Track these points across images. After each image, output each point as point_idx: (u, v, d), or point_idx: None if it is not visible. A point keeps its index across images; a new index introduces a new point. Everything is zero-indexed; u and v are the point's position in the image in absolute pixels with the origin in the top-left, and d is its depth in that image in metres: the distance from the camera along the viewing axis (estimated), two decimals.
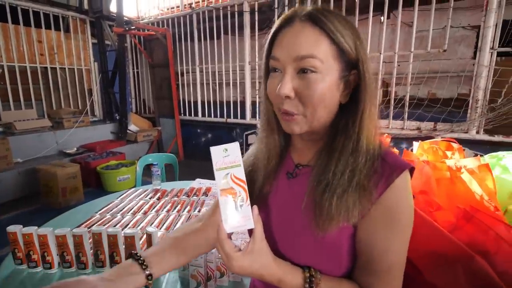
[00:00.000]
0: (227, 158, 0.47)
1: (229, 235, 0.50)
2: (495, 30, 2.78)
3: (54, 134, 3.91)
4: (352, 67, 0.50)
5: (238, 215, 0.48)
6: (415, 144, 1.34)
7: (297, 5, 3.48)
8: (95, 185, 3.54)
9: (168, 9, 4.91)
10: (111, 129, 4.65)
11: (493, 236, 0.82)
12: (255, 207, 0.49)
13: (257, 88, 4.13)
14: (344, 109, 0.52)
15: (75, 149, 3.99)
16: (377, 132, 0.52)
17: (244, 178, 0.48)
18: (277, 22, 0.53)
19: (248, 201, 0.48)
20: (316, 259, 0.53)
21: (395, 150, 0.70)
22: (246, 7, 3.92)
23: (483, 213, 0.90)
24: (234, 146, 0.48)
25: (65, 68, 4.55)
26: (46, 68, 4.32)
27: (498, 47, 2.81)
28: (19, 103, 4.01)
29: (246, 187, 0.48)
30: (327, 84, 0.48)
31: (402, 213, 0.50)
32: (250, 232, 0.62)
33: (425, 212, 0.95)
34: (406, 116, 3.22)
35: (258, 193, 0.61)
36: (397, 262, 0.51)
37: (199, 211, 1.32)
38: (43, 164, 3.22)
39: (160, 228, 1.17)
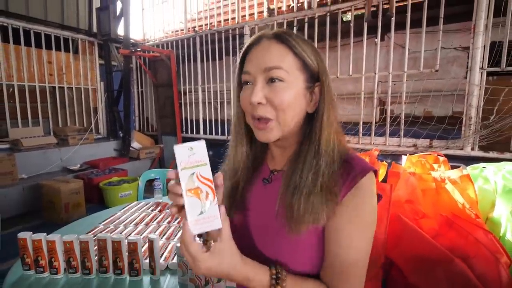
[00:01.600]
0: (192, 157, 0.45)
1: (195, 237, 0.47)
2: (484, 51, 2.92)
3: (59, 151, 4.00)
4: (316, 80, 0.57)
5: (205, 214, 0.46)
6: (403, 158, 1.41)
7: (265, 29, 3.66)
8: (97, 201, 3.58)
9: (172, 32, 5.16)
10: (115, 146, 4.75)
11: (472, 240, 0.88)
12: (222, 206, 0.48)
13: None
14: (310, 118, 0.58)
15: (79, 165, 4.07)
16: (339, 138, 0.57)
17: (211, 177, 0.46)
18: (246, 44, 0.60)
19: (216, 200, 0.47)
20: (292, 259, 0.56)
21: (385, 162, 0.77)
22: (246, 31, 4.13)
23: (464, 220, 0.96)
24: (200, 145, 0.46)
25: (72, 88, 4.73)
26: (54, 87, 4.50)
27: (488, 67, 2.93)
28: (26, 121, 4.14)
29: (213, 186, 0.46)
30: (294, 92, 0.54)
31: (365, 212, 0.54)
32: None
33: (410, 220, 1.01)
34: (402, 133, 3.30)
35: (232, 204, 0.64)
36: (359, 259, 0.53)
37: None
38: (47, 180, 3.29)
39: (162, 238, 1.23)
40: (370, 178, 0.54)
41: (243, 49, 0.60)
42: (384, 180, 1.25)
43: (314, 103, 0.58)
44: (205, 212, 0.46)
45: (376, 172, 0.56)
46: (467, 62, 3.77)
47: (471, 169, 1.24)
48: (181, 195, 0.46)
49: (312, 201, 0.52)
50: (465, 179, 1.10)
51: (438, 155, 1.40)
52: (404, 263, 0.91)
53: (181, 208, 0.48)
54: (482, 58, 2.93)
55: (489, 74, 3.00)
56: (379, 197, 0.61)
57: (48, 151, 3.90)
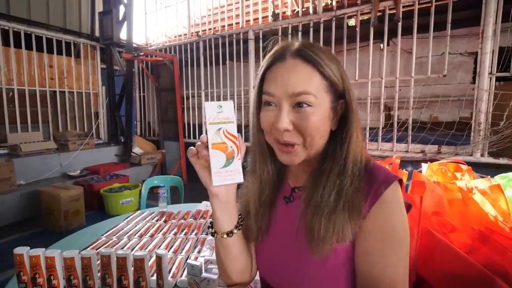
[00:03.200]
0: (220, 114, 0.47)
1: (208, 227, 0.56)
2: (492, 56, 2.87)
3: (59, 156, 3.92)
4: (340, 97, 0.54)
5: (228, 168, 0.48)
6: (424, 166, 1.34)
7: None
8: (97, 208, 3.49)
9: (175, 36, 5.13)
10: (116, 152, 4.67)
11: (511, 257, 0.81)
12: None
13: None
14: (333, 135, 0.55)
15: (79, 171, 3.99)
16: (363, 153, 0.54)
17: (236, 134, 0.48)
18: (268, 57, 0.55)
19: (239, 156, 0.48)
20: (318, 282, 0.53)
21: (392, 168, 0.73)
22: (251, 35, 4.09)
23: (499, 234, 0.88)
24: (228, 104, 0.48)
25: (73, 92, 4.68)
26: (55, 91, 4.44)
27: (497, 72, 2.89)
28: (26, 125, 4.07)
29: (237, 142, 0.48)
30: (321, 115, 0.51)
31: (396, 226, 0.50)
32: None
33: (439, 233, 0.94)
34: (410, 139, 3.24)
35: (260, 225, 0.62)
36: (397, 277, 0.49)
37: (206, 234, 1.30)
38: (45, 186, 3.21)
39: (168, 251, 1.15)
40: (395, 188, 0.51)
41: (265, 62, 0.55)
42: (406, 190, 1.18)
43: (336, 119, 0.55)
44: (229, 165, 0.48)
45: (401, 181, 0.53)
46: (473, 68, 3.74)
47: (499, 178, 1.17)
48: (207, 146, 0.48)
49: (334, 221, 0.50)
50: (495, 189, 1.03)
51: (459, 163, 1.33)
52: (437, 281, 0.83)
53: (197, 154, 0.50)
54: (491, 63, 2.89)
55: (497, 79, 2.95)
56: (409, 206, 0.56)
57: (47, 157, 3.82)
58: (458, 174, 1.28)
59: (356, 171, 0.52)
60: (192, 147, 0.51)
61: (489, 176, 1.11)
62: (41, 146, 3.87)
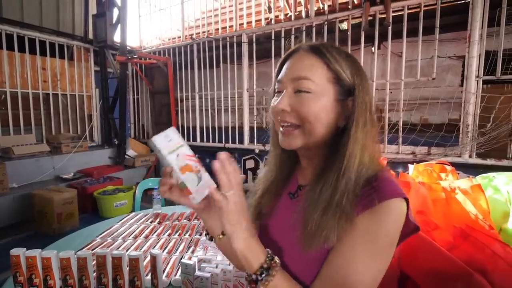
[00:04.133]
0: (170, 142, 0.50)
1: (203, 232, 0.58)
2: (479, 60, 2.96)
3: (52, 159, 3.90)
4: (350, 94, 0.55)
5: (201, 183, 0.51)
6: (410, 167, 1.39)
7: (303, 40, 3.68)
8: (91, 211, 3.48)
9: (169, 39, 5.14)
10: (109, 154, 4.66)
11: (489, 254, 0.85)
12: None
13: (255, 114, 4.23)
14: (341, 132, 0.56)
15: (72, 174, 3.97)
16: (372, 155, 0.54)
17: (191, 153, 0.51)
18: (285, 53, 0.61)
19: (203, 168, 0.51)
20: (303, 277, 0.53)
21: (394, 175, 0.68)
22: (244, 38, 4.14)
23: (479, 231, 0.93)
24: (172, 131, 0.52)
25: (66, 94, 4.65)
26: (48, 94, 4.41)
27: (483, 75, 2.97)
28: (18, 128, 4.04)
29: (196, 159, 0.52)
30: (321, 103, 0.53)
31: (378, 237, 0.48)
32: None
33: (423, 232, 0.98)
34: (400, 140, 3.31)
35: (260, 208, 0.65)
36: (357, 282, 0.48)
37: (200, 235, 1.33)
38: (38, 189, 3.19)
39: (163, 252, 1.17)
40: (396, 205, 0.48)
41: (281, 58, 0.61)
42: None
43: (345, 117, 0.55)
44: (201, 181, 0.51)
45: (407, 201, 0.50)
46: (462, 71, 3.84)
47: (481, 179, 1.22)
48: (171, 175, 0.51)
49: (326, 220, 0.50)
50: (476, 189, 1.08)
51: (444, 164, 1.38)
52: (420, 277, 0.88)
53: (170, 188, 0.52)
54: (478, 66, 2.97)
55: (484, 82, 3.04)
56: (415, 228, 0.54)
57: (40, 159, 3.80)
58: (442, 175, 1.33)
59: (356, 169, 0.51)
60: (161, 187, 0.53)
61: (471, 177, 1.16)
62: (34, 148, 3.85)
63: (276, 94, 0.59)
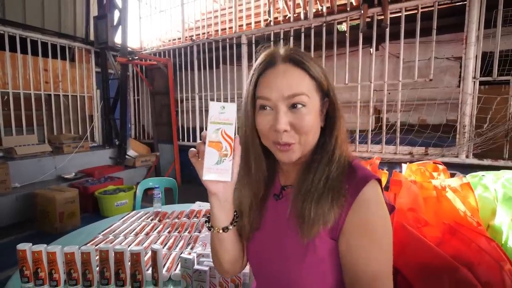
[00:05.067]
0: (222, 115, 0.50)
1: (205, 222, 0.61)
2: (476, 61, 3.00)
3: (53, 159, 3.95)
4: (325, 95, 0.59)
5: (219, 166, 0.50)
6: (404, 166, 1.43)
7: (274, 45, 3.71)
8: (92, 210, 3.52)
9: (169, 40, 5.19)
10: (110, 155, 4.70)
11: (476, 248, 0.89)
12: (236, 165, 0.54)
13: None
14: (322, 131, 0.60)
15: (74, 174, 4.01)
16: (347, 150, 0.60)
17: (233, 136, 0.50)
18: (258, 64, 0.59)
19: (231, 157, 0.51)
20: (303, 273, 0.56)
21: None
22: (243, 40, 4.18)
23: (466, 227, 0.97)
24: (231, 106, 0.50)
25: (68, 95, 4.70)
26: (50, 95, 4.46)
27: (480, 76, 3.01)
28: (21, 129, 4.08)
29: (233, 144, 0.51)
30: (314, 113, 0.57)
31: (375, 223, 0.53)
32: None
33: (413, 228, 1.02)
34: (398, 141, 3.34)
35: (253, 221, 0.65)
36: (380, 271, 0.52)
37: (199, 232, 1.36)
38: (41, 189, 3.23)
39: (163, 248, 1.21)
40: (373, 187, 0.54)
41: (256, 69, 0.59)
42: (386, 189, 1.27)
43: (323, 116, 0.60)
44: (220, 164, 0.50)
45: (379, 181, 0.56)
46: (459, 72, 3.87)
47: (471, 177, 1.26)
48: (204, 143, 0.51)
49: (322, 204, 0.54)
50: (465, 187, 1.12)
51: (437, 163, 1.42)
52: (409, 271, 0.91)
53: (200, 156, 0.53)
54: (475, 68, 3.01)
55: (481, 83, 3.08)
56: (392, 207, 0.59)
57: (42, 159, 3.84)
58: (435, 174, 1.37)
59: (341, 159, 0.58)
60: (192, 148, 0.54)
61: (461, 175, 1.20)
62: (36, 149, 3.89)
63: (261, 111, 0.57)
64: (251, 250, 0.67)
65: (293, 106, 0.55)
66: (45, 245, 0.98)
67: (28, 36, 4.08)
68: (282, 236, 0.61)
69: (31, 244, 0.98)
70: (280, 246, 0.60)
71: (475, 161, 3.04)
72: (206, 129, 0.52)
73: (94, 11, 4.92)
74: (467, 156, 3.09)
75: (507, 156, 2.95)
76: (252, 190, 0.65)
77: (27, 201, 3.26)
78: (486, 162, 2.99)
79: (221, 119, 0.50)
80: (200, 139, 0.54)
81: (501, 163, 2.93)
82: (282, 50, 0.59)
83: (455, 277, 0.85)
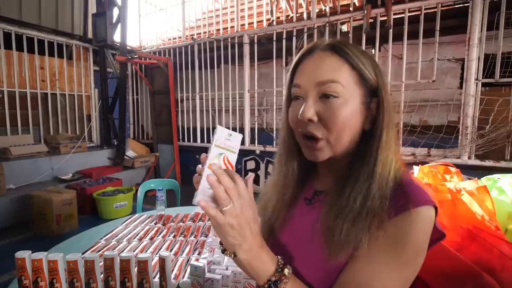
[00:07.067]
0: (228, 141, 0.48)
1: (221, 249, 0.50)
2: (478, 63, 2.99)
3: (50, 159, 3.87)
4: (373, 95, 0.52)
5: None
6: (415, 168, 1.40)
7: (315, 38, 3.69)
8: (90, 212, 3.45)
9: (169, 39, 5.13)
10: (108, 155, 4.63)
11: (497, 254, 0.86)
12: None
13: (256, 115, 4.24)
14: (365, 136, 0.53)
15: (71, 175, 3.94)
16: (398, 160, 0.51)
17: (234, 164, 0.48)
18: (298, 54, 0.56)
19: None
20: (323, 285, 0.51)
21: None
22: (245, 39, 4.14)
23: (486, 232, 0.94)
24: (238, 136, 0.49)
25: (65, 94, 4.62)
26: (46, 94, 4.38)
27: (482, 78, 3.00)
28: (16, 128, 4.00)
29: (233, 171, 0.48)
30: (350, 109, 0.50)
31: (406, 246, 0.45)
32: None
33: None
34: (400, 142, 3.33)
35: (275, 221, 0.61)
36: None
37: (205, 236, 1.32)
38: (37, 190, 3.16)
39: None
40: (426, 213, 0.46)
41: (295, 59, 0.56)
42: None
43: (370, 119, 0.52)
44: None
45: (436, 209, 0.48)
46: (461, 73, 3.87)
47: (485, 180, 1.23)
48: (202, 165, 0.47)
49: (357, 226, 0.47)
50: (482, 190, 1.09)
51: (448, 165, 1.39)
52: (429, 277, 0.88)
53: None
54: (477, 69, 3.00)
55: (483, 85, 3.08)
56: (442, 235, 0.51)
57: (38, 160, 3.76)
58: (447, 176, 1.34)
59: (385, 174, 0.49)
60: (195, 175, 0.49)
61: (476, 178, 1.17)
62: (32, 149, 3.81)
63: (293, 100, 0.54)
64: (272, 247, 0.63)
65: (325, 96, 0.50)
66: (46, 252, 0.93)
67: (24, 33, 4.00)
68: (306, 244, 0.55)
69: (30, 251, 0.92)
70: (303, 254, 0.55)
71: (477, 162, 3.03)
72: (207, 147, 0.48)
73: (92, 8, 4.85)
74: (469, 157, 3.09)
75: (509, 157, 2.95)
76: (280, 189, 0.61)
77: (23, 203, 3.19)
78: (488, 163, 2.99)
79: (226, 145, 0.48)
80: (201, 141, 0.48)
81: (502, 164, 2.93)
82: (327, 40, 0.54)
83: (479, 284, 0.81)
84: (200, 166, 0.47)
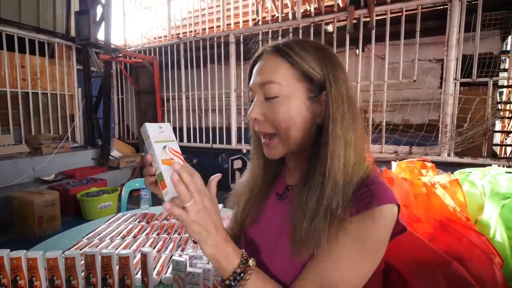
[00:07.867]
0: (162, 133, 0.48)
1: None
2: (457, 63, 3.11)
3: (31, 160, 3.76)
4: (322, 89, 0.51)
5: None
6: (393, 164, 1.45)
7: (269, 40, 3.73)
8: (74, 214, 3.38)
9: (155, 38, 5.08)
10: (93, 155, 4.54)
11: (466, 243, 0.91)
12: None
13: (242, 115, 4.25)
14: (320, 130, 0.52)
15: (53, 176, 3.84)
16: (363, 158, 0.51)
17: (179, 151, 0.49)
18: (253, 57, 0.58)
19: None
20: (290, 278, 0.52)
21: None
22: (232, 39, 4.15)
23: (457, 223, 0.99)
24: (167, 126, 0.50)
25: (47, 93, 4.50)
26: (27, 93, 4.25)
27: (460, 78, 3.12)
28: None
29: (182, 157, 0.49)
30: (294, 105, 0.51)
31: (366, 242, 0.47)
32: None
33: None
34: (383, 140, 3.42)
35: (246, 216, 0.64)
36: (340, 283, 0.47)
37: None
38: (18, 192, 3.07)
39: (153, 251, 1.16)
40: (388, 211, 0.47)
41: (250, 66, 0.58)
42: None
43: (322, 114, 0.52)
44: None
45: (399, 207, 0.49)
46: (441, 73, 4.00)
47: (458, 174, 1.29)
48: (151, 164, 0.47)
49: (315, 226, 0.48)
50: (454, 183, 1.14)
51: (425, 161, 1.45)
52: (403, 267, 0.92)
53: (154, 182, 0.49)
54: (455, 69, 3.12)
55: (461, 84, 3.20)
56: (403, 228, 0.52)
57: (19, 161, 3.65)
58: (423, 171, 1.39)
59: (341, 171, 0.48)
60: (145, 177, 0.50)
61: (449, 172, 1.23)
62: (12, 149, 3.70)
63: (250, 103, 0.57)
64: (244, 243, 0.65)
65: (267, 97, 0.52)
66: (25, 251, 0.92)
67: (3, 30, 3.87)
68: (274, 240, 0.57)
69: (9, 250, 0.91)
70: (272, 247, 0.57)
71: (456, 159, 3.15)
72: (145, 147, 0.50)
73: (75, 6, 4.74)
74: (448, 155, 3.20)
75: (485, 154, 3.08)
76: (249, 185, 0.63)
77: (3, 205, 3.08)
78: (466, 160, 3.11)
79: (163, 137, 0.48)
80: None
81: (480, 160, 3.05)
82: (276, 42, 0.56)
83: (448, 271, 0.86)
84: (147, 155, 0.48)
